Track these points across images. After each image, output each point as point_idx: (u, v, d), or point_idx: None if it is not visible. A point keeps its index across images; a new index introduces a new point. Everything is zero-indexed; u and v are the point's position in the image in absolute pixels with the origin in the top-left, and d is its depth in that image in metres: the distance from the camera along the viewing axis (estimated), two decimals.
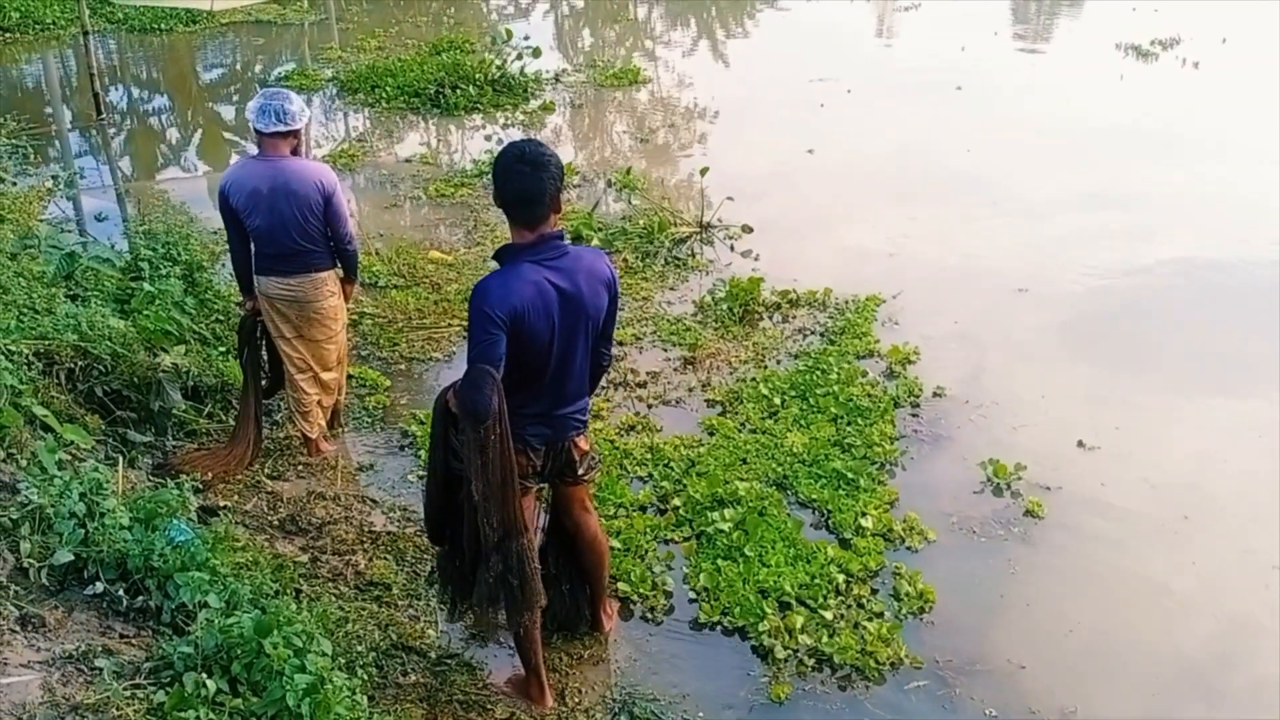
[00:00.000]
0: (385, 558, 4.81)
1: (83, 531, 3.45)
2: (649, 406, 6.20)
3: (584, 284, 3.58)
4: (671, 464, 5.56)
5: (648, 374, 6.52)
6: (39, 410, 4.47)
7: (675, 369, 6.62)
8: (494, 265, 3.66)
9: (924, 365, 6.59)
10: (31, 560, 3.35)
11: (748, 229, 8.72)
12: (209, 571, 3.52)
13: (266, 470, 5.44)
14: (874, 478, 5.42)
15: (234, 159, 10.86)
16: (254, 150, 5.26)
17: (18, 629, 3.11)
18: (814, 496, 5.29)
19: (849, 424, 5.88)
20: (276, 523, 5.03)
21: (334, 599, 4.37)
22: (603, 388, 6.14)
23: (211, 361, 5.84)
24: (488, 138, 11.31)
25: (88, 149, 11.37)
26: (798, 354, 6.72)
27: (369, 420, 6.01)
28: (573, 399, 3.79)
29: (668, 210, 8.88)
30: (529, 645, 3.96)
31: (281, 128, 5.03)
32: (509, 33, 13.74)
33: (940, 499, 5.36)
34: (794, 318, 7.28)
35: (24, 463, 3.92)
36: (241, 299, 5.50)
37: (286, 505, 5.16)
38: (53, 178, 9.29)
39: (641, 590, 4.67)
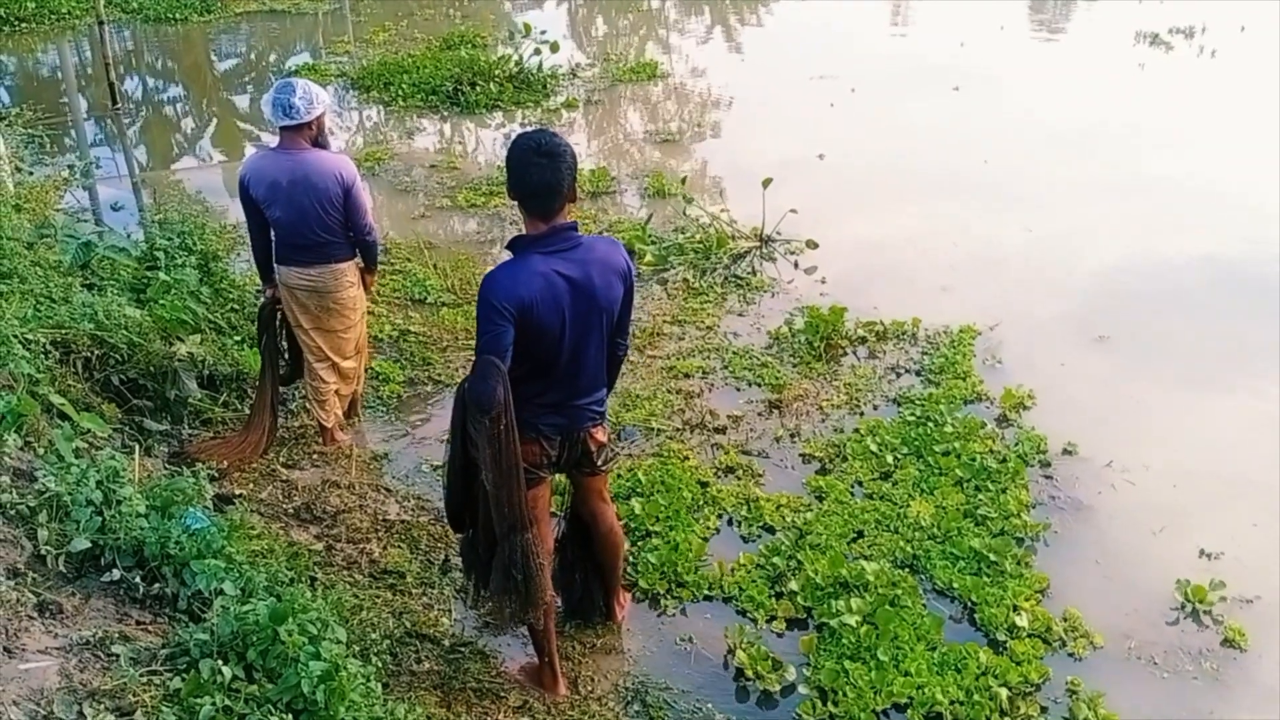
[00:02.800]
0: (399, 546, 4.83)
1: (100, 519, 3.46)
2: (735, 455, 5.57)
3: (596, 274, 3.57)
4: (777, 530, 5.00)
5: (728, 418, 5.91)
6: (56, 398, 4.50)
7: (759, 413, 5.97)
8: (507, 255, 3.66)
9: (1041, 412, 5.92)
10: (49, 547, 3.37)
11: (812, 244, 8.05)
12: (225, 559, 3.53)
13: (282, 459, 5.46)
14: (1018, 559, 4.70)
15: (249, 149, 10.90)
16: (269, 140, 5.27)
17: (35, 615, 3.13)
18: (953, 583, 4.59)
19: (978, 489, 5.18)
20: (291, 511, 5.05)
21: (348, 587, 4.40)
22: (677, 429, 5.78)
23: (227, 350, 5.86)
24: (509, 137, 11.01)
25: (103, 138, 11.41)
26: (898, 399, 6.04)
27: (383, 410, 6.02)
28: (588, 390, 3.78)
29: (726, 223, 8.29)
30: (542, 634, 3.98)
31: (289, 122, 4.99)
32: (528, 27, 13.30)
33: (1097, 588, 4.66)
34: (882, 353, 6.58)
35: (41, 450, 3.95)
36: (261, 286, 5.51)
37: (301, 494, 5.18)
38: (69, 167, 9.32)
39: (760, 669, 4.18)
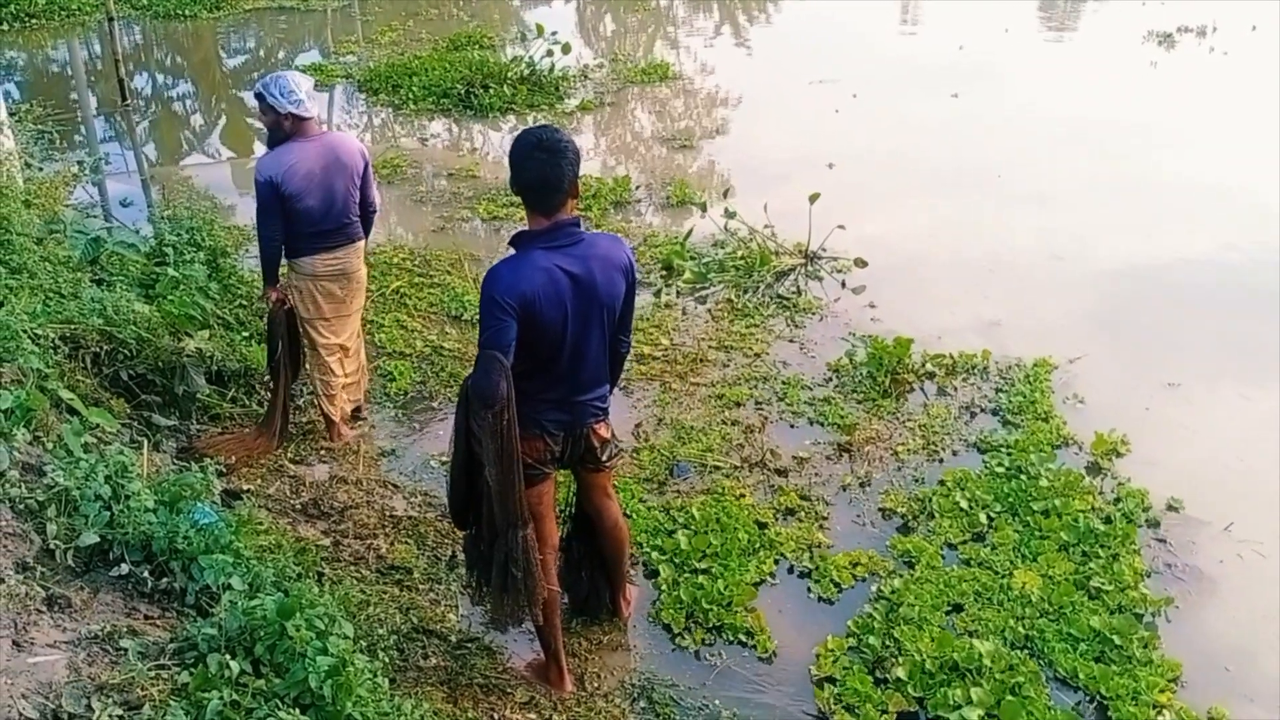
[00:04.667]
0: (406, 542, 4.84)
1: (108, 514, 3.48)
2: (796, 497, 5.21)
3: (598, 270, 3.58)
4: (844, 586, 4.64)
5: (793, 459, 5.49)
6: (65, 394, 4.51)
7: (826, 456, 5.54)
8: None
9: (1137, 461, 5.43)
10: (58, 542, 3.38)
11: (861, 263, 7.65)
12: (232, 554, 3.54)
13: (289, 454, 5.48)
14: (1144, 642, 4.23)
15: (258, 145, 10.90)
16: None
17: (44, 609, 3.14)
18: (1077, 670, 4.11)
19: (1086, 555, 4.70)
20: (299, 507, 5.07)
21: (355, 582, 4.41)
22: (735, 466, 5.44)
23: (235, 346, 5.88)
24: None
25: (113, 134, 11.44)
26: (979, 444, 5.58)
27: (390, 407, 6.03)
28: (590, 386, 3.79)
29: (769, 237, 7.90)
30: (549, 630, 3.99)
31: (307, 114, 5.05)
32: (540, 28, 13.02)
33: (1235, 678, 4.17)
34: (953, 389, 6.12)
35: (50, 445, 3.96)
36: (264, 292, 5.43)
37: (309, 489, 5.20)
38: (78, 163, 9.35)
39: None
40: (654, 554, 4.80)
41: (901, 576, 4.63)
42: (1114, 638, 4.22)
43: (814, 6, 17.27)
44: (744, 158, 10.11)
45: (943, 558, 4.77)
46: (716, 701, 4.06)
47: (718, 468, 5.44)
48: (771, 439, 5.70)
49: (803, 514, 5.10)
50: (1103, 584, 4.53)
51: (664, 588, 4.61)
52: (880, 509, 5.15)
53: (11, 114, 8.68)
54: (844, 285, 7.51)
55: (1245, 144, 10.17)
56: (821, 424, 5.82)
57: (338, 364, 5.50)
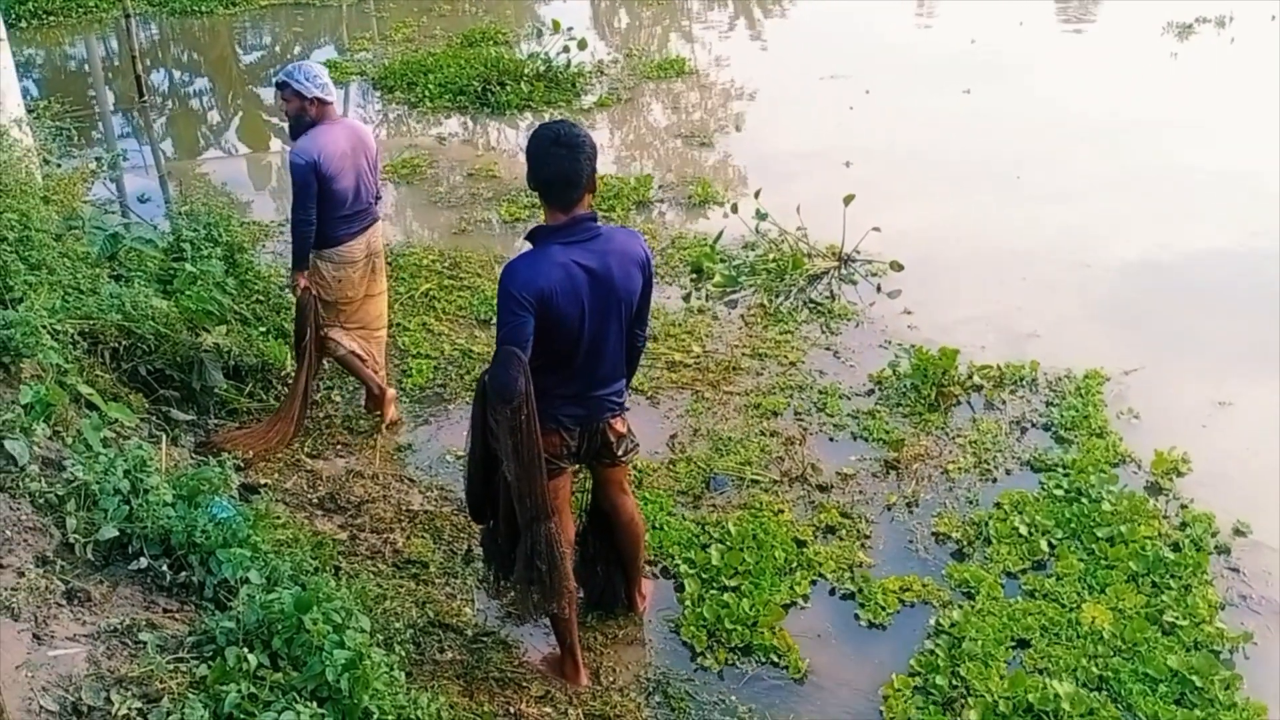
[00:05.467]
0: (423, 536, 4.86)
1: (127, 508, 3.50)
2: (837, 514, 5.02)
3: (615, 265, 3.58)
4: (890, 611, 4.44)
5: (837, 475, 5.29)
6: (84, 389, 4.55)
7: (873, 473, 5.33)
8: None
9: (1197, 481, 5.17)
10: (77, 536, 3.41)
11: (897, 266, 7.40)
12: (250, 548, 3.56)
13: (306, 449, 5.50)
14: (1226, 683, 3.97)
15: (274, 141, 10.93)
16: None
17: (64, 602, 3.17)
18: (1159, 715, 3.85)
19: (1156, 586, 4.44)
20: (316, 501, 5.09)
21: (372, 576, 4.42)
22: (774, 481, 5.25)
23: (252, 341, 5.90)
24: None
25: (130, 131, 11.47)
26: (1033, 462, 5.34)
27: (407, 401, 6.05)
28: (607, 381, 3.79)
29: (800, 239, 7.66)
30: (564, 625, 4.00)
31: (331, 98, 5.21)
32: (557, 24, 12.73)
33: None
34: (1002, 403, 5.86)
35: (70, 440, 3.99)
36: (292, 281, 5.41)
37: (326, 483, 5.22)
38: (96, 159, 9.39)
39: None
40: (683, 566, 4.67)
41: (960, 607, 4.40)
42: (1194, 678, 3.96)
43: None
44: (762, 156, 9.96)
45: (1003, 588, 4.53)
46: (733, 698, 4.06)
47: (756, 481, 5.27)
48: (813, 452, 5.50)
49: (844, 532, 4.91)
50: (1176, 618, 4.26)
51: (688, 604, 4.48)
52: (934, 533, 4.90)
53: (30, 111, 8.72)
54: (879, 289, 7.29)
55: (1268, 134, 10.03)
56: (865, 439, 5.59)
57: (360, 341, 5.61)
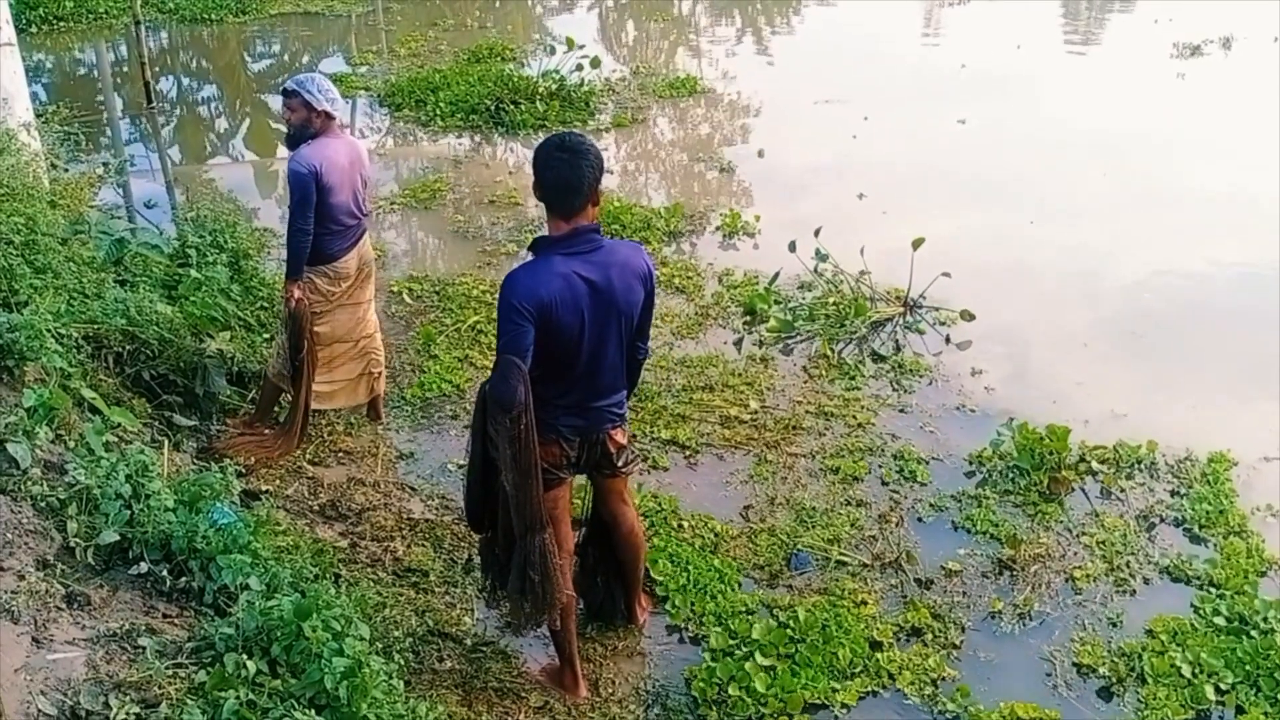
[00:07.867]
0: (423, 545, 4.86)
1: (128, 512, 3.50)
2: (927, 614, 4.42)
3: (616, 277, 3.60)
4: None
5: (943, 570, 4.69)
6: (87, 393, 4.55)
7: (983, 572, 4.71)
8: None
9: None
10: (78, 539, 3.41)
11: (968, 316, 6.84)
12: (250, 554, 3.56)
13: (308, 456, 5.50)
14: None
15: (281, 149, 10.94)
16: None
17: (64, 606, 3.17)
18: None
19: None
20: (317, 508, 5.09)
21: (372, 584, 4.42)
22: (864, 564, 4.72)
23: (256, 348, 5.91)
24: None
25: (138, 136, 11.52)
26: (1173, 570, 4.66)
27: (408, 409, 6.05)
28: (607, 392, 3.80)
29: (863, 282, 7.17)
30: (564, 635, 3.99)
31: (338, 111, 5.24)
32: (570, 42, 12.59)
33: None
34: (1121, 490, 5.23)
35: (72, 444, 3.99)
36: (287, 292, 5.33)
37: (327, 491, 5.22)
38: (103, 164, 9.42)
39: None
40: (716, 632, 4.28)
41: None
42: None
43: (837, 13, 17.22)
44: (781, 182, 9.61)
45: None
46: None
47: (843, 563, 4.75)
48: (910, 534, 4.96)
49: (929, 637, 4.31)
50: None
51: (706, 656, 4.21)
52: (1075, 664, 4.21)
53: (38, 115, 8.76)
54: (948, 340, 6.73)
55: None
56: (969, 530, 4.98)
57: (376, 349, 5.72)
